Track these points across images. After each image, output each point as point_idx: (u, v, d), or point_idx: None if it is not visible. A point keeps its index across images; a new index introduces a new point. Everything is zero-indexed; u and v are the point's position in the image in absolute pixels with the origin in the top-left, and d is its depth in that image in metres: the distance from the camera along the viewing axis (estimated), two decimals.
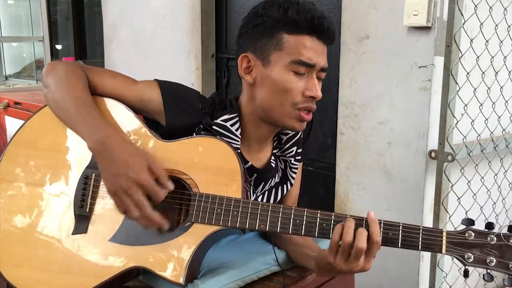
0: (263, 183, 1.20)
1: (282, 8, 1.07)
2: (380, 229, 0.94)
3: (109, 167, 0.99)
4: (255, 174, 1.17)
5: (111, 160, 0.99)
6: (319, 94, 1.08)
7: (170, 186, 1.00)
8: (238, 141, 1.14)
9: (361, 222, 0.95)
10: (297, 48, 1.06)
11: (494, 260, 0.89)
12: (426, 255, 1.90)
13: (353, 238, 0.93)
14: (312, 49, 1.07)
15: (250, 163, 1.16)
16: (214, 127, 1.12)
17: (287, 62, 1.06)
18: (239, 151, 1.13)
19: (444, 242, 0.92)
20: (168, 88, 1.13)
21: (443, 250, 0.92)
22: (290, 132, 1.22)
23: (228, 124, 1.13)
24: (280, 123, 1.12)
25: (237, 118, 1.14)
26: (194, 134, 1.12)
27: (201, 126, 1.13)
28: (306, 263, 1.18)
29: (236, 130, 1.13)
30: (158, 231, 1.02)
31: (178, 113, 1.11)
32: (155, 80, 1.15)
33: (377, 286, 2.09)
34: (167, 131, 1.11)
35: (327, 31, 1.08)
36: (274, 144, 1.24)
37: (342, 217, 0.96)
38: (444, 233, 0.92)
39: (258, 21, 1.09)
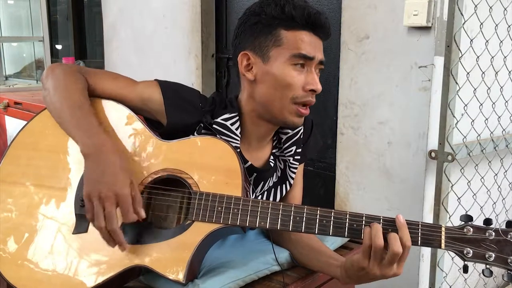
0: (262, 182, 1.20)
1: (278, 6, 1.09)
2: (380, 225, 0.94)
3: (96, 173, 0.99)
4: (255, 174, 1.18)
5: (99, 167, 0.99)
6: (319, 87, 1.10)
7: (142, 214, 1.00)
8: (238, 141, 1.14)
9: (391, 225, 0.94)
10: (295, 42, 1.08)
11: (493, 255, 0.90)
12: (426, 255, 1.90)
13: (383, 241, 0.92)
14: (310, 43, 1.09)
15: (249, 163, 1.16)
16: (214, 126, 1.13)
17: (287, 56, 1.08)
18: (238, 150, 1.13)
19: (443, 237, 0.92)
20: (168, 87, 1.13)
21: (442, 245, 0.92)
22: (290, 131, 1.22)
23: (228, 123, 1.13)
24: (279, 119, 1.12)
25: (237, 118, 1.14)
26: (195, 133, 1.13)
27: (202, 125, 1.13)
28: (325, 270, 1.16)
29: (236, 129, 1.14)
30: (158, 230, 1.03)
31: (178, 111, 1.11)
32: (155, 80, 1.15)
33: (377, 286, 2.09)
34: (168, 130, 1.11)
35: (323, 26, 1.11)
36: (274, 144, 1.25)
37: (342, 214, 0.97)
38: (443, 229, 0.93)
39: (255, 19, 1.11)
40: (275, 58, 1.09)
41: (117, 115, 1.12)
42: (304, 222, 0.98)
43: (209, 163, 1.05)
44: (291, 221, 0.99)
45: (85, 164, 1.01)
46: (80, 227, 1.05)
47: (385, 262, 0.93)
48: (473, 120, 1.88)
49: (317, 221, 0.98)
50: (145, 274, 1.13)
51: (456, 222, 1.78)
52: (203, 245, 1.02)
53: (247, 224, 1.00)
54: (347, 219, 0.97)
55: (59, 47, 4.71)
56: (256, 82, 1.12)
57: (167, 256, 1.01)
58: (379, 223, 0.95)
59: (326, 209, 0.98)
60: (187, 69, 3.02)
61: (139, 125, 1.11)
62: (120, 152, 1.04)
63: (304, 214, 0.99)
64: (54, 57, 4.37)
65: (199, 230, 1.01)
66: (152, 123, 1.15)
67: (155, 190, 1.07)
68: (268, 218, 1.00)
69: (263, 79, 1.11)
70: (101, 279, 1.01)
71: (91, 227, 1.05)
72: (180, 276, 0.99)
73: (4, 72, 4.50)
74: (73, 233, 1.05)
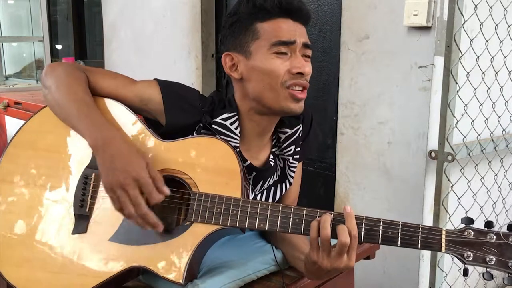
0: (261, 181, 1.20)
1: (250, 1, 1.10)
2: (380, 227, 0.94)
3: (109, 162, 0.99)
4: (254, 173, 1.18)
5: (111, 156, 0.99)
6: (306, 69, 1.09)
7: (167, 191, 1.00)
8: (237, 140, 1.14)
9: (341, 218, 0.95)
10: (273, 31, 1.08)
11: (494, 259, 0.89)
12: (426, 255, 1.90)
13: (331, 232, 0.93)
14: (287, 29, 1.09)
15: (249, 162, 1.16)
16: (213, 126, 1.13)
17: (267, 46, 1.08)
18: (238, 149, 1.13)
19: (443, 240, 0.92)
20: (167, 87, 1.13)
21: (443, 248, 0.91)
22: (288, 130, 1.22)
23: (227, 123, 1.13)
24: (276, 109, 1.11)
25: (236, 117, 1.14)
26: (194, 133, 1.13)
27: (201, 125, 1.13)
28: (297, 266, 1.19)
29: (235, 128, 1.14)
30: (155, 231, 1.02)
31: (178, 112, 1.11)
32: (155, 79, 1.15)
33: (377, 286, 2.09)
34: (168, 130, 1.11)
35: (298, 9, 1.10)
36: (273, 143, 1.24)
37: (341, 216, 0.96)
38: (444, 232, 0.92)
39: (232, 20, 1.13)
40: (256, 51, 1.09)
41: (117, 114, 1.12)
42: (303, 224, 0.98)
43: (208, 163, 1.05)
44: (291, 223, 0.99)
45: (96, 157, 1.02)
46: (79, 227, 1.05)
47: (334, 254, 0.93)
48: (473, 120, 1.88)
49: None
50: (145, 274, 1.13)
51: (456, 222, 1.79)
52: (202, 246, 1.02)
53: (246, 226, 1.00)
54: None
55: (59, 47, 4.71)
56: (244, 80, 1.12)
57: (166, 257, 1.00)
58: (330, 215, 0.95)
59: (326, 211, 0.98)
60: (187, 69, 3.02)
61: (138, 125, 1.11)
62: (127, 141, 1.04)
63: (304, 216, 0.98)
64: (54, 57, 4.37)
65: (198, 231, 1.01)
66: (152, 123, 1.15)
67: None
68: (268, 220, 1.00)
69: (249, 75, 1.11)
70: (100, 280, 1.01)
71: (90, 227, 1.05)
72: (180, 278, 0.99)
73: (4, 72, 4.50)
74: (72, 234, 1.05)
